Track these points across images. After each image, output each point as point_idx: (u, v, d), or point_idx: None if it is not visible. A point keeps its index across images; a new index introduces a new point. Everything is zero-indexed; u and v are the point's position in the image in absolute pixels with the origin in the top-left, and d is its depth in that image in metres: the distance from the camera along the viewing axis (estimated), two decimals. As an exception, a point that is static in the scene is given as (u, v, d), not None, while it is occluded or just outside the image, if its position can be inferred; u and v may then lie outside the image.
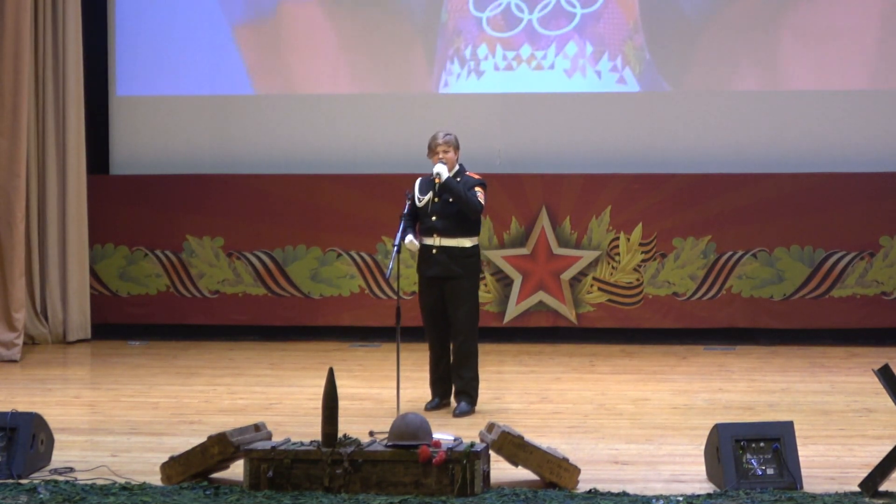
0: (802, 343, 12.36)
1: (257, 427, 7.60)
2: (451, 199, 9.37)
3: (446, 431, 7.62)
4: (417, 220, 9.55)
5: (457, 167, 9.47)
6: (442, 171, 9.35)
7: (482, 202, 9.38)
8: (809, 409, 9.52)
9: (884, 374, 7.12)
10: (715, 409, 9.48)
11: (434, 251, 9.40)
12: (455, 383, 9.48)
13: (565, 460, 7.30)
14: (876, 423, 8.96)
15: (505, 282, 12.67)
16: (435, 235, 9.40)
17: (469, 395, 9.42)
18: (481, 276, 9.86)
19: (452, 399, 9.54)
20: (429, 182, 9.53)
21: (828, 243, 12.44)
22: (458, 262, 9.41)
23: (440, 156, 9.40)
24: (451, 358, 9.53)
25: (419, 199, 9.50)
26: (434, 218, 9.41)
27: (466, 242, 9.44)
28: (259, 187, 12.94)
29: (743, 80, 12.64)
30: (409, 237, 9.40)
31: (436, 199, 9.41)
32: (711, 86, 12.69)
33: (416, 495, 7.03)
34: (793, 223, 12.44)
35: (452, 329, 9.46)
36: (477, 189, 9.38)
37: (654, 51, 12.70)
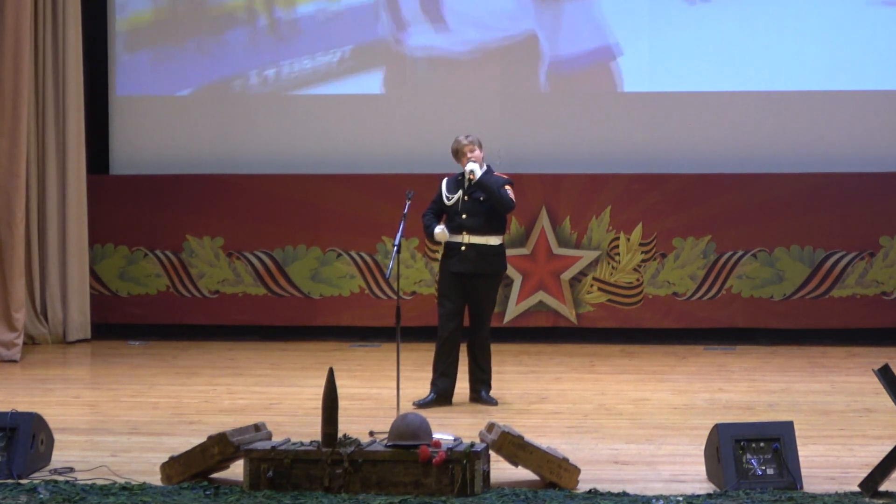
0: (802, 343, 12.36)
1: (257, 427, 7.60)
2: (481, 198, 9.53)
3: (446, 431, 7.62)
4: (440, 219, 9.71)
5: (485, 166, 9.59)
6: (475, 168, 9.52)
7: (514, 199, 9.52)
8: (809, 409, 9.52)
9: (884, 374, 7.12)
10: (715, 409, 9.48)
11: (463, 248, 9.54)
12: (476, 374, 9.72)
13: (565, 460, 7.30)
14: (876, 423, 8.96)
15: (505, 282, 12.64)
16: (464, 233, 9.57)
17: (489, 383, 9.76)
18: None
19: (471, 391, 9.74)
20: (456, 181, 9.67)
21: (828, 243, 12.44)
22: (487, 259, 9.58)
23: (469, 156, 9.52)
24: (468, 351, 9.70)
25: (447, 197, 9.65)
26: (464, 216, 9.56)
27: (494, 240, 9.62)
28: (259, 187, 12.94)
29: (743, 80, 12.64)
30: (440, 227, 9.54)
31: (465, 198, 9.52)
32: (712, 86, 12.68)
33: (416, 495, 7.03)
34: (793, 223, 12.44)
35: (475, 323, 9.67)
36: (507, 188, 9.53)
37: (654, 51, 12.69)
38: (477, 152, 9.59)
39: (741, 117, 12.63)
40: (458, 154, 9.64)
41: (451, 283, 9.63)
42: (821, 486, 7.19)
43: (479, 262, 9.56)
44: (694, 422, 9.00)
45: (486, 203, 9.54)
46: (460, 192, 9.60)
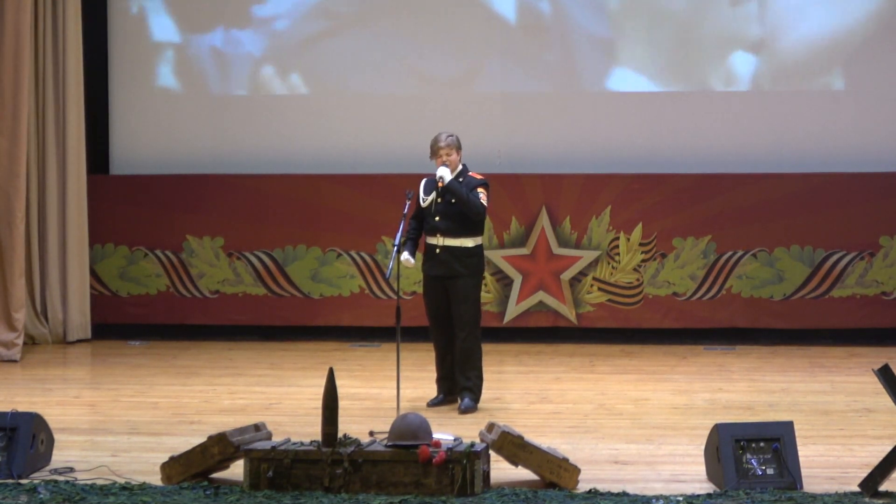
0: (802, 343, 12.35)
1: (257, 427, 7.60)
2: (453, 200, 9.45)
3: (446, 431, 7.62)
4: (422, 222, 9.63)
5: (459, 167, 9.55)
6: (444, 174, 9.45)
7: (484, 203, 9.48)
8: (809, 409, 9.53)
9: (884, 374, 7.12)
10: (715, 409, 9.49)
11: (438, 251, 9.51)
12: (459, 380, 9.56)
13: (565, 460, 7.30)
14: (876, 423, 8.96)
15: (505, 282, 12.67)
16: (438, 235, 9.52)
17: (472, 391, 9.52)
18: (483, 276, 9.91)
19: (457, 397, 9.61)
20: (432, 182, 9.61)
21: (828, 243, 12.44)
22: (461, 261, 9.49)
23: (443, 159, 9.46)
24: (454, 358, 9.59)
25: (423, 199, 9.58)
26: (437, 218, 9.51)
27: (469, 242, 9.52)
28: (259, 187, 12.94)
29: (743, 79, 12.64)
30: (406, 254, 9.46)
31: (439, 200, 9.49)
32: (711, 86, 12.69)
33: (416, 495, 7.03)
34: (793, 223, 12.44)
35: (455, 327, 9.53)
36: (479, 190, 9.49)
37: (654, 50, 12.70)
38: (453, 156, 9.50)
39: (741, 117, 12.63)
40: (433, 153, 9.55)
41: (431, 286, 9.60)
42: (821, 486, 7.20)
43: (454, 264, 9.48)
44: (694, 422, 9.00)
45: (458, 206, 9.47)
46: (434, 195, 9.55)
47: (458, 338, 9.53)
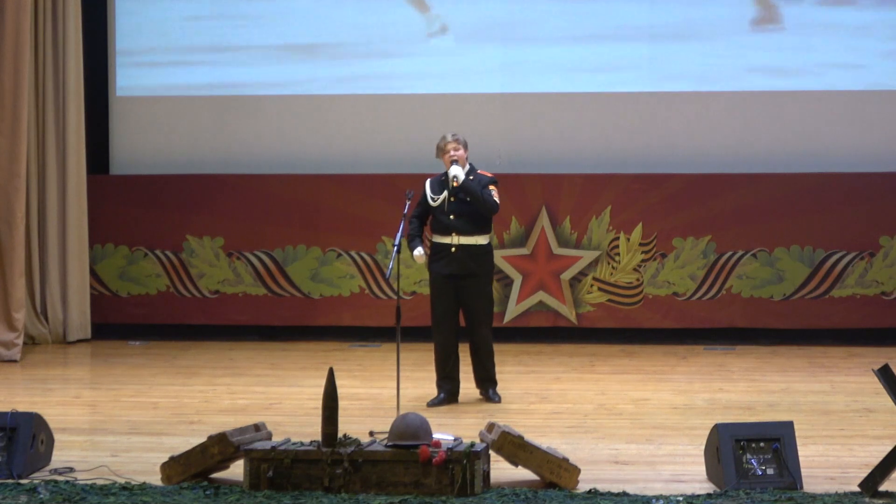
0: (802, 343, 12.36)
1: (257, 427, 7.60)
2: (468, 198, 9.53)
3: (446, 431, 7.62)
4: (425, 221, 9.70)
5: (468, 166, 9.58)
6: (459, 173, 9.50)
7: (497, 201, 9.55)
8: (809, 409, 9.53)
9: (884, 374, 7.12)
10: (715, 409, 9.49)
11: (453, 249, 9.55)
12: (479, 373, 9.75)
13: (565, 460, 7.30)
14: (876, 423, 8.96)
15: (505, 282, 12.67)
16: (453, 234, 9.55)
17: (494, 381, 9.78)
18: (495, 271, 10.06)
19: (479, 391, 9.78)
20: (440, 181, 9.63)
21: (828, 243, 12.44)
22: (476, 259, 9.58)
23: (451, 154, 9.49)
24: (471, 351, 9.73)
25: (433, 198, 9.61)
26: (452, 217, 9.54)
27: (482, 240, 9.62)
28: (259, 187, 12.95)
29: (743, 80, 12.64)
30: (419, 250, 9.50)
31: (452, 199, 9.51)
32: (711, 86, 12.68)
33: (416, 495, 7.03)
34: (793, 223, 12.45)
35: (471, 322, 9.68)
36: (491, 188, 9.57)
37: (654, 50, 12.70)
38: (461, 151, 9.57)
39: (741, 117, 12.63)
40: (441, 151, 9.61)
41: (442, 285, 9.64)
42: (821, 486, 7.20)
43: (470, 262, 9.56)
44: (694, 422, 9.00)
45: (472, 204, 9.54)
46: (445, 193, 9.58)
47: (477, 333, 9.67)
